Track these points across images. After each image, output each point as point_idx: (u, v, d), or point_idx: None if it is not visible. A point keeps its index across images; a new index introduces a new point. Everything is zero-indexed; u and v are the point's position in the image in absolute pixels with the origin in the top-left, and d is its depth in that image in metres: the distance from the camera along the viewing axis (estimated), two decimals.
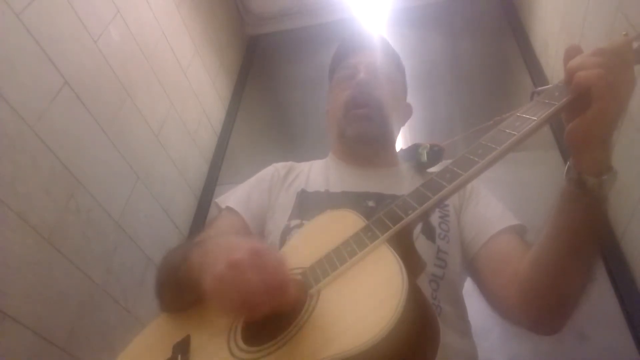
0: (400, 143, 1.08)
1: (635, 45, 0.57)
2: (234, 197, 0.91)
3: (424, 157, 0.92)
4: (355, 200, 0.83)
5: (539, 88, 0.59)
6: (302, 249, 0.69)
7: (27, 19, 1.21)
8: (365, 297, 0.52)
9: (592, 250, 0.62)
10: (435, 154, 0.92)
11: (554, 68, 1.84)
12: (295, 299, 0.54)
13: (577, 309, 0.64)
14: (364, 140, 0.92)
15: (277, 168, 0.97)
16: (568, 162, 0.60)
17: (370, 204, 0.82)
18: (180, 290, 0.67)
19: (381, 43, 1.02)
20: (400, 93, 1.02)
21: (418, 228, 0.76)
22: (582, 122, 0.55)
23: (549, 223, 0.63)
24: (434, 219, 0.81)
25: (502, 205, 0.85)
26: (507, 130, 0.57)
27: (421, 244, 0.76)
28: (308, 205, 0.85)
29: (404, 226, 0.57)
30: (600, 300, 1.31)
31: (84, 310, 1.26)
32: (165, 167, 1.80)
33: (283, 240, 0.81)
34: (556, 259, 0.62)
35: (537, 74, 1.96)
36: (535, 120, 0.55)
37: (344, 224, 0.64)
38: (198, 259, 0.61)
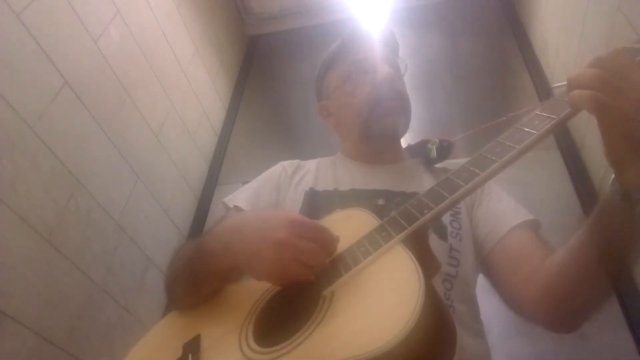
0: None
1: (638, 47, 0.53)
2: (242, 196, 0.89)
3: (433, 153, 0.90)
4: (364, 198, 0.82)
5: (556, 85, 0.56)
6: None
7: (27, 19, 1.20)
8: (381, 299, 0.50)
9: (624, 261, 0.60)
10: (445, 149, 0.91)
11: (554, 67, 1.84)
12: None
13: (598, 311, 0.63)
14: (394, 134, 0.90)
15: (284, 166, 0.95)
16: (613, 175, 0.55)
17: (380, 202, 0.81)
18: (197, 282, 0.66)
19: (385, 34, 0.99)
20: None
21: None
22: (602, 138, 0.50)
23: (584, 230, 0.60)
24: (445, 216, 0.79)
25: (514, 201, 0.83)
26: (526, 129, 0.54)
27: (432, 242, 0.72)
28: (317, 204, 0.84)
29: (419, 226, 0.56)
30: None
31: (84, 310, 1.25)
32: (165, 167, 1.79)
33: None
34: (585, 267, 0.60)
35: (537, 74, 1.96)
36: (555, 118, 0.53)
37: (356, 223, 0.62)
38: (219, 244, 0.62)
